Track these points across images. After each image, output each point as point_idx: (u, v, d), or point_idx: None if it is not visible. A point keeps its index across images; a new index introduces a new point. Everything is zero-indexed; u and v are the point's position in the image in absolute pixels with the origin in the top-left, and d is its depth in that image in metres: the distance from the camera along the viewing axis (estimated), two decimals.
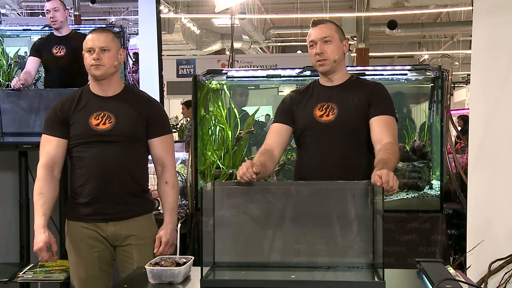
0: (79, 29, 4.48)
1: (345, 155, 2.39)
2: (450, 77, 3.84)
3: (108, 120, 2.44)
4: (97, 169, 2.42)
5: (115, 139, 2.43)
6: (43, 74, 4.25)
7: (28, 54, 4.28)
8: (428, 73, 3.84)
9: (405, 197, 3.78)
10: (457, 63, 17.38)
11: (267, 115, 4.89)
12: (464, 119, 9.86)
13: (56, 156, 2.45)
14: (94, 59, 2.41)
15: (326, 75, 2.47)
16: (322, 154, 2.41)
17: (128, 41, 4.91)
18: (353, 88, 2.45)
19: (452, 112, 4.24)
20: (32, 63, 3.98)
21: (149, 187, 2.63)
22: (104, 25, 4.88)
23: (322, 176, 2.31)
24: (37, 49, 4.03)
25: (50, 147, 2.46)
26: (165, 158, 2.54)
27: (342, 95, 2.44)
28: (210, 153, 4.01)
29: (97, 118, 2.44)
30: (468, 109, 3.84)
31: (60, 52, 4.00)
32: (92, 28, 2.62)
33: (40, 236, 2.31)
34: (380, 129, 2.33)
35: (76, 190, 2.46)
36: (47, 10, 3.99)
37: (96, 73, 2.44)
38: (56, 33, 4.06)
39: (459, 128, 5.25)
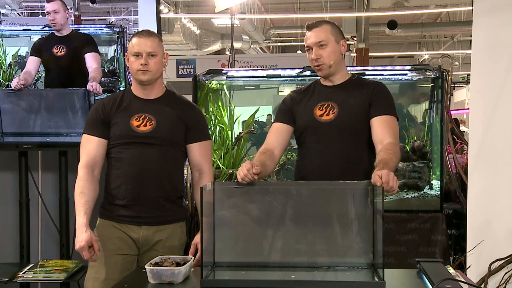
0: (79, 29, 4.47)
1: (345, 154, 2.39)
2: (450, 77, 3.84)
3: (149, 122, 2.41)
4: (134, 171, 2.39)
5: (155, 142, 2.40)
6: (43, 74, 4.24)
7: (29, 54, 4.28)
8: (428, 73, 3.84)
9: (405, 197, 3.77)
10: (457, 63, 17.34)
11: (269, 115, 4.88)
12: (456, 122, 9.89)
13: (96, 156, 2.42)
14: (141, 64, 2.38)
15: (326, 78, 2.48)
16: (323, 154, 2.41)
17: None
18: (354, 88, 2.45)
19: (452, 112, 4.23)
20: (33, 63, 3.97)
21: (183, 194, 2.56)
22: (104, 25, 4.86)
23: (322, 175, 2.31)
24: (38, 49, 4.03)
25: (90, 147, 2.43)
26: (203, 165, 2.50)
27: (343, 95, 2.44)
28: None
29: (138, 120, 2.41)
30: (468, 109, 3.83)
31: (60, 52, 3.99)
32: (137, 31, 2.55)
33: (82, 235, 2.26)
34: (381, 129, 2.33)
35: (112, 191, 2.43)
36: (47, 11, 3.97)
37: (143, 78, 2.41)
38: (56, 33, 4.06)
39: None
